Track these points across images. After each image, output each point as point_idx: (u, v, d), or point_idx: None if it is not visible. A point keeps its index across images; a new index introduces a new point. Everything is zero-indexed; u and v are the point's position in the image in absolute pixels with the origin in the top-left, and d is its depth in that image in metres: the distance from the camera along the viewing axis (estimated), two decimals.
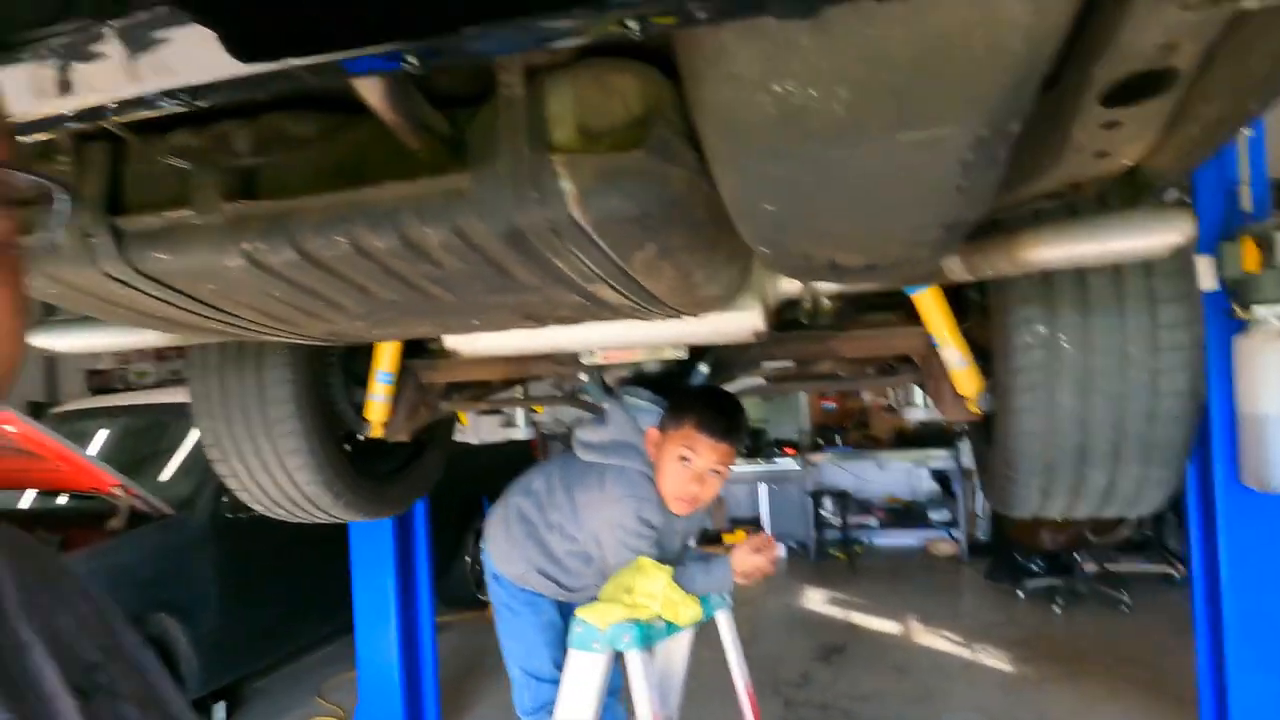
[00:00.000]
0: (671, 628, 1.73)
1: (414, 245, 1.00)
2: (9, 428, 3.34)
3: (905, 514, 7.26)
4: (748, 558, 1.86)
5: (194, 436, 4.49)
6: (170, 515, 3.92)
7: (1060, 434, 1.40)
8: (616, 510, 1.90)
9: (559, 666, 2.11)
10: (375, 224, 0.98)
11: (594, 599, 1.77)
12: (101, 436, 4.66)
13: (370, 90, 0.81)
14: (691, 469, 1.90)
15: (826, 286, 1.53)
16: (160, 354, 8.54)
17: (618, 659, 1.70)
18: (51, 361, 9.46)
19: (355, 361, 2.13)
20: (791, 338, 1.74)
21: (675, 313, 1.29)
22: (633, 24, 0.60)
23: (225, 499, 4.07)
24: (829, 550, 6.97)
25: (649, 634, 1.66)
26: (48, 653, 0.50)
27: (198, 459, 4.30)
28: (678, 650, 1.92)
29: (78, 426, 4.45)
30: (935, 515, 7.04)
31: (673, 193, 0.92)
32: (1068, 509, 1.60)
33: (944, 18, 0.63)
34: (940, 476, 7.34)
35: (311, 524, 4.15)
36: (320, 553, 4.04)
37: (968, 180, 0.83)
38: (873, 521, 7.18)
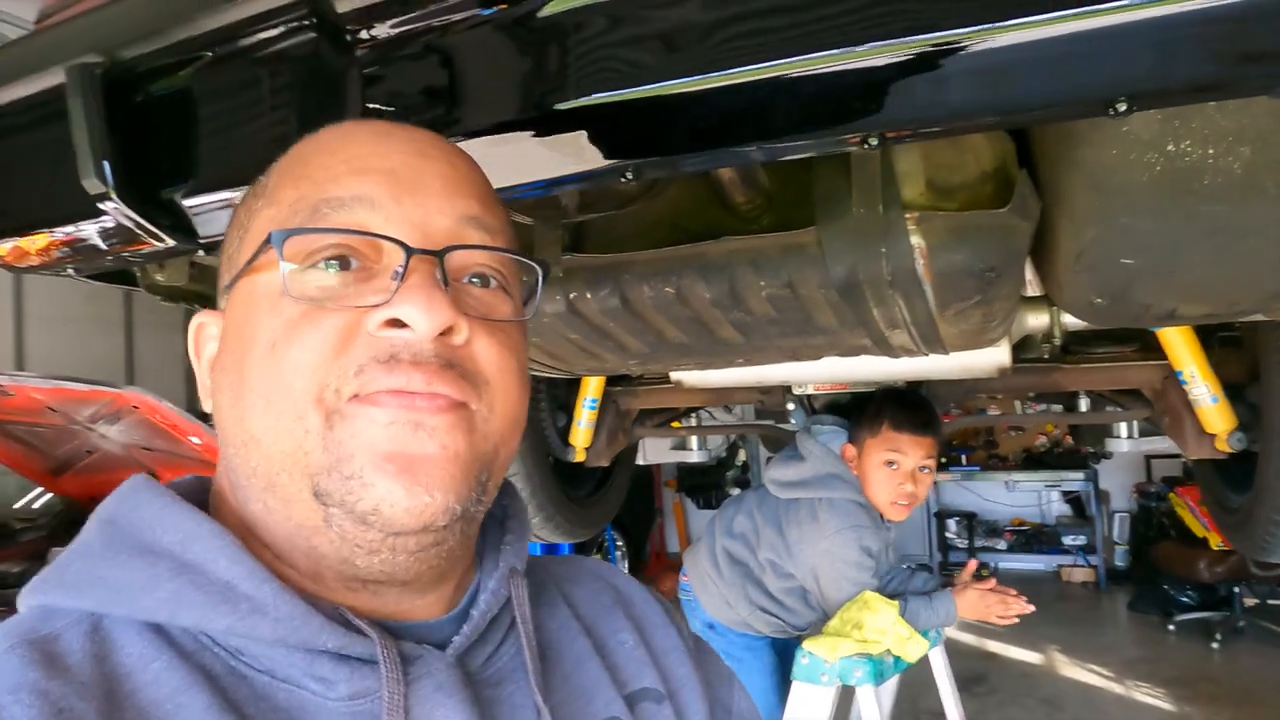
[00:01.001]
0: (899, 663, 1.72)
1: (737, 295, 1.04)
2: (195, 440, 3.57)
3: (1035, 537, 6.98)
4: (978, 600, 1.83)
5: None
6: None
7: None
8: (836, 543, 1.89)
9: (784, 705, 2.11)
10: (706, 275, 1.02)
11: (818, 633, 1.77)
12: None
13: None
14: (901, 470, 1.89)
15: (1073, 320, 1.50)
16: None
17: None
18: (189, 370, 10.06)
19: (556, 387, 2.20)
20: (1020, 369, 1.71)
21: (943, 351, 1.29)
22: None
23: None
24: (954, 573, 6.76)
25: (880, 669, 1.65)
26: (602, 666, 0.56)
27: None
28: (885, 687, 1.90)
29: None
30: (1069, 540, 6.74)
31: (1017, 247, 0.92)
32: None
33: None
34: (1073, 499, 7.04)
35: None
36: None
37: None
38: (1001, 544, 6.94)
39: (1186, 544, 5.40)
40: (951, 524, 6.86)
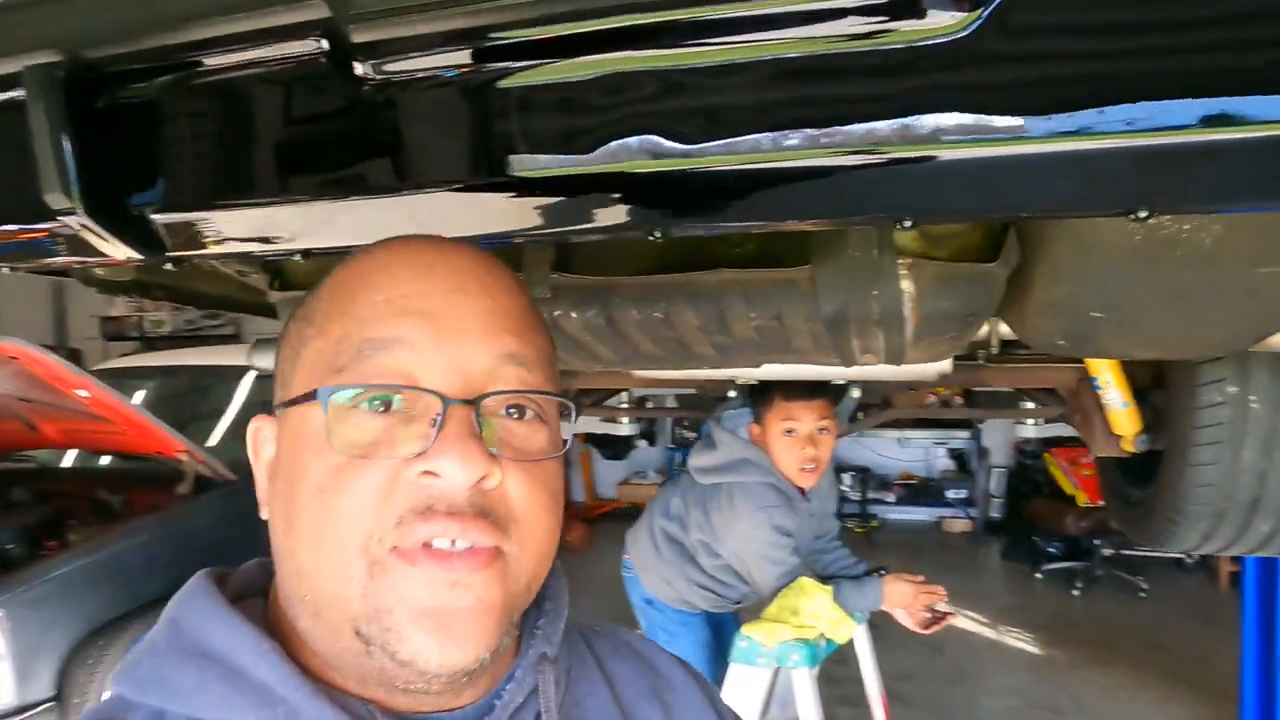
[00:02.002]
0: (830, 645, 1.82)
1: (724, 322, 1.05)
2: (82, 393, 3.36)
3: (921, 490, 7.43)
4: (907, 590, 1.95)
5: (241, 398, 4.50)
6: (234, 481, 3.95)
7: (1238, 487, 1.48)
8: (749, 524, 1.98)
9: (719, 682, 2.21)
10: (696, 303, 1.03)
11: (749, 610, 1.86)
12: (138, 398, 4.64)
13: None
14: (799, 435, 1.99)
15: (1008, 330, 1.59)
16: (176, 306, 8.48)
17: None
18: (62, 307, 9.36)
19: None
20: (955, 370, 1.80)
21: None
22: None
23: None
24: (847, 524, 7.14)
25: (816, 653, 1.74)
26: None
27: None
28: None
29: (113, 385, 4.44)
30: (951, 493, 7.22)
31: (997, 294, 0.97)
32: (1221, 550, 1.69)
33: None
34: (957, 455, 7.51)
35: None
36: None
37: None
38: (890, 497, 7.36)
39: (1057, 500, 5.87)
40: (846, 478, 7.20)
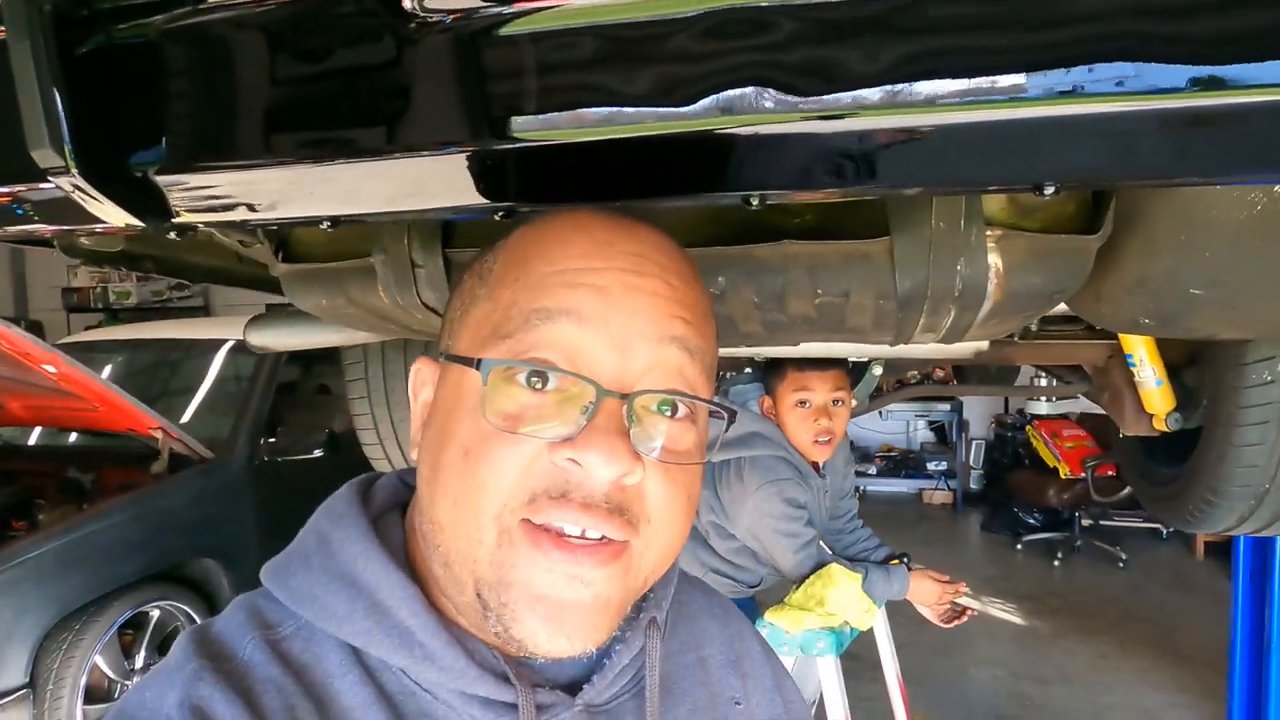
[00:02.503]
0: (854, 631, 1.77)
1: (783, 298, 0.96)
2: (50, 368, 3.21)
3: (902, 462, 7.46)
4: (932, 588, 1.91)
5: (214, 374, 4.35)
6: (209, 459, 3.82)
7: None
8: (760, 499, 1.91)
9: None
10: (756, 277, 0.94)
11: (767, 595, 1.80)
12: (106, 373, 4.47)
13: None
14: (813, 407, 1.92)
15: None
16: (142, 276, 8.20)
17: None
18: (21, 276, 9.03)
19: None
20: None
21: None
22: None
23: (261, 442, 3.99)
24: None
25: (841, 640, 1.69)
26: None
27: (225, 399, 4.19)
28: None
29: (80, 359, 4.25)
30: (932, 465, 7.26)
31: (1087, 268, 0.89)
32: (1256, 531, 1.66)
33: None
34: (937, 427, 7.54)
35: (344, 469, 4.12)
36: None
37: None
38: (871, 469, 7.38)
39: (1039, 472, 5.92)
40: None
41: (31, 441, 4.12)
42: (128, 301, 8.27)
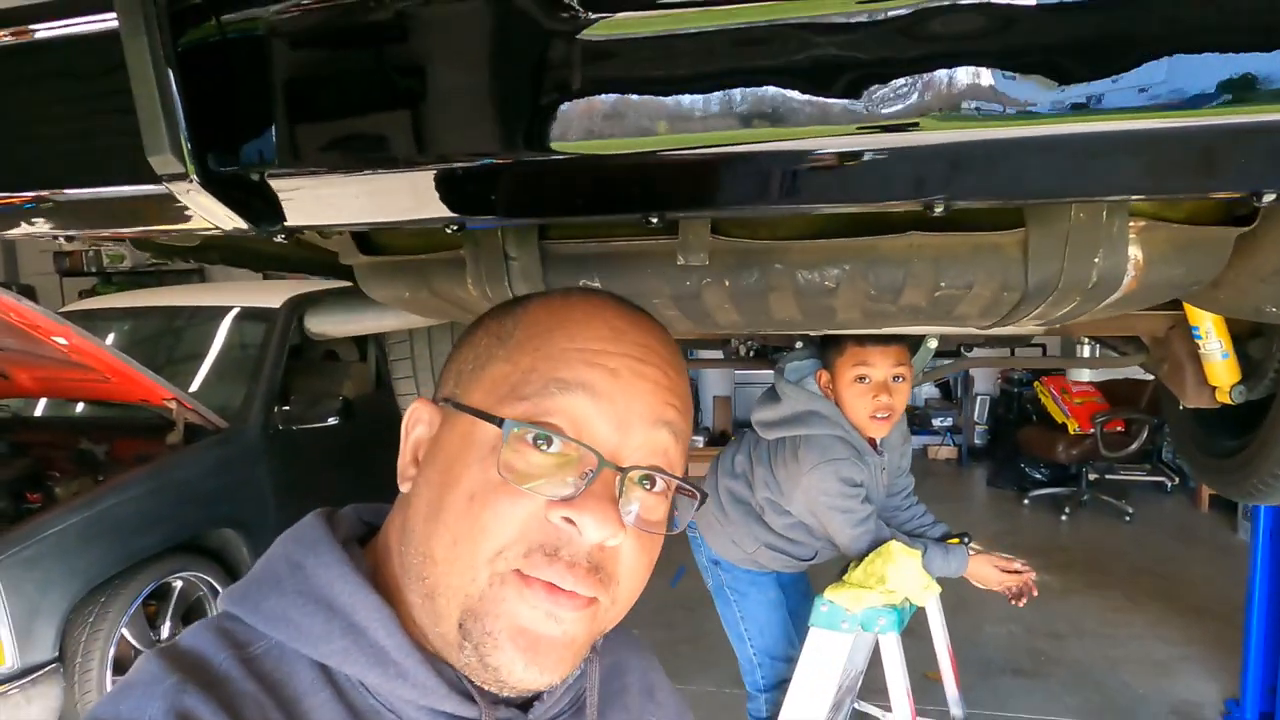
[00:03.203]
0: (912, 607, 1.77)
1: (900, 290, 0.92)
2: (61, 340, 3.16)
3: (909, 418, 7.47)
4: (992, 572, 1.90)
5: (222, 341, 4.29)
6: (224, 428, 3.78)
7: None
8: (814, 478, 1.89)
9: (790, 644, 2.15)
10: (876, 269, 0.89)
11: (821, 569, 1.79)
12: (110, 341, 4.39)
13: None
14: (873, 383, 1.89)
15: None
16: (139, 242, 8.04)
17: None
18: (9, 239, 8.84)
19: None
20: None
21: None
22: None
23: (275, 411, 3.95)
24: None
25: (902, 617, 1.69)
26: None
27: (234, 367, 4.13)
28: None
29: (83, 328, 4.17)
30: (938, 421, 7.28)
31: (1225, 259, 0.86)
32: None
33: None
34: (942, 383, 7.55)
35: (359, 437, 4.06)
36: (368, 465, 3.97)
37: None
38: None
39: (1047, 428, 5.94)
40: None
41: (39, 412, 4.06)
42: (122, 266, 8.12)
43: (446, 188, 0.65)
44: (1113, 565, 4.90)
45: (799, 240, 0.88)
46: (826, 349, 1.92)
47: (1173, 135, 0.51)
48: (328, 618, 0.56)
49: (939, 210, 0.58)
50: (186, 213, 0.69)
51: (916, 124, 0.52)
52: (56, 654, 2.92)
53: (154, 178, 0.62)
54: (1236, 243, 0.88)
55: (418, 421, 0.62)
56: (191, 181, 0.61)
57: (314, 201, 0.69)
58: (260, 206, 0.68)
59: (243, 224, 0.69)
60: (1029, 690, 3.56)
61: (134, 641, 3.10)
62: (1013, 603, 1.97)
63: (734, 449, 2.16)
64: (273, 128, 0.64)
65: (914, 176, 0.57)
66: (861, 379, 1.88)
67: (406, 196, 0.66)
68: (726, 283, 0.93)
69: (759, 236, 0.89)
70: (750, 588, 2.18)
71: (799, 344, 2.08)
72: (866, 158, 0.56)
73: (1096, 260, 0.82)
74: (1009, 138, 0.53)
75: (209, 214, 0.66)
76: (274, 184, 0.67)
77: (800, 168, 0.59)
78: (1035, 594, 1.97)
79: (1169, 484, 6.15)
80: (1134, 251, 0.82)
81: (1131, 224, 0.80)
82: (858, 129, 0.53)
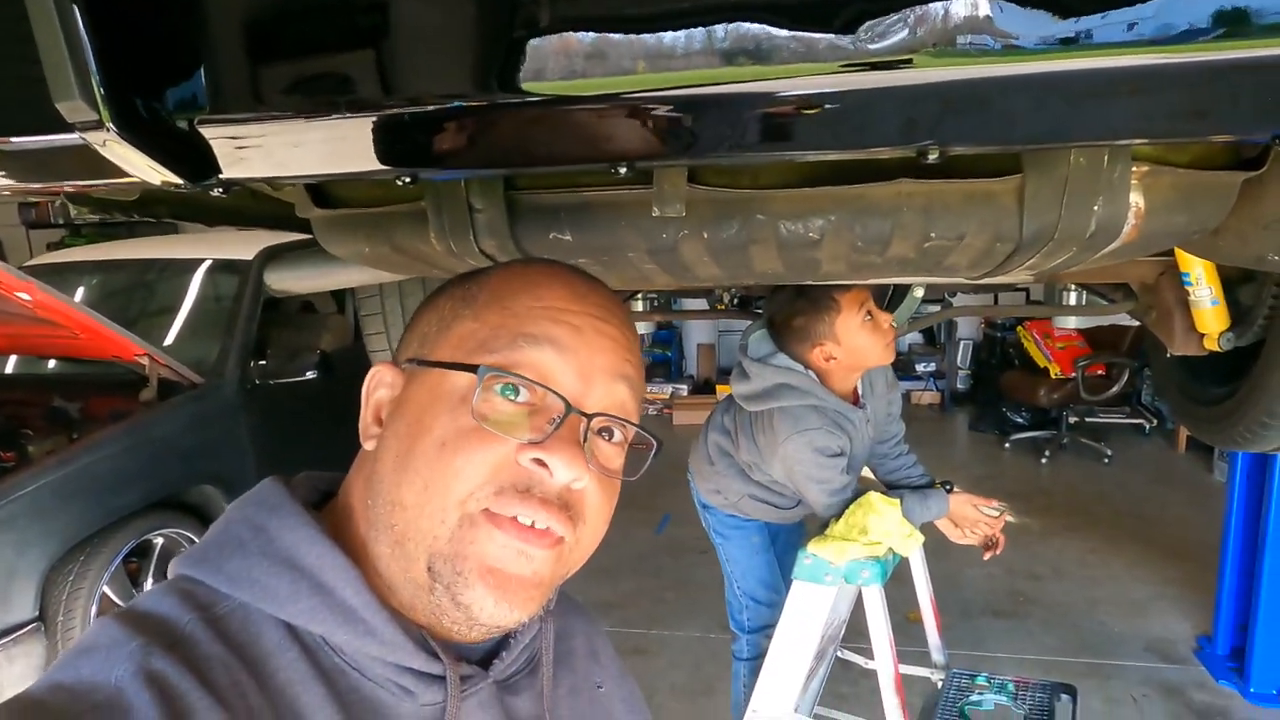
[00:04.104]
0: (896, 558, 1.76)
1: (887, 241, 0.87)
2: (25, 296, 3.07)
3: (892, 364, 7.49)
4: (970, 512, 1.91)
5: (194, 295, 4.20)
6: (199, 384, 3.71)
7: None
8: (788, 450, 1.90)
9: (772, 589, 2.19)
10: (863, 219, 0.84)
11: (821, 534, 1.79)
12: (79, 296, 4.28)
13: None
14: (875, 316, 1.87)
15: None
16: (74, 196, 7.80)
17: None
18: None
19: None
20: None
21: None
22: None
23: (251, 365, 3.89)
24: None
25: (885, 568, 1.68)
26: None
27: (208, 321, 4.05)
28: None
29: (51, 283, 4.04)
30: (921, 366, 7.31)
31: (1229, 206, 0.81)
32: None
33: None
34: (926, 329, 7.56)
35: (339, 391, 4.01)
36: (348, 418, 3.91)
37: None
38: None
39: (1029, 373, 5.97)
40: None
41: (9, 370, 3.97)
42: (91, 217, 7.90)
43: (400, 136, 0.59)
44: (1091, 507, 4.97)
45: (782, 189, 0.83)
46: (813, 320, 1.88)
47: (1195, 71, 0.46)
48: (294, 578, 0.57)
49: (933, 158, 0.53)
50: (115, 167, 0.63)
51: (909, 61, 0.48)
52: (37, 613, 2.90)
53: (66, 126, 0.56)
54: (1241, 188, 0.84)
55: (379, 384, 0.64)
56: (108, 130, 0.55)
57: (254, 152, 0.63)
58: (192, 157, 0.62)
59: (172, 177, 0.63)
60: (1008, 631, 3.63)
61: (116, 599, 3.08)
62: (985, 556, 1.99)
63: (724, 409, 2.20)
64: (202, 67, 0.58)
65: (906, 120, 0.52)
66: (869, 315, 1.86)
67: (359, 145, 0.60)
68: (705, 235, 0.88)
69: (739, 185, 0.84)
70: (734, 531, 2.24)
71: (753, 320, 2.07)
72: (854, 99, 0.51)
73: (1096, 208, 0.78)
74: (1010, 75, 0.48)
75: (131, 166, 0.60)
76: (206, 132, 0.61)
77: (784, 110, 0.53)
78: (1000, 549, 2.00)
79: (1147, 426, 6.22)
80: (1135, 199, 0.77)
81: (1134, 169, 0.76)
82: (844, 66, 0.48)
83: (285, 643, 0.56)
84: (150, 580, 3.28)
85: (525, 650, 0.67)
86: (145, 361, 3.52)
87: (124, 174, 0.64)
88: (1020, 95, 0.51)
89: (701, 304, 2.77)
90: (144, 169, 0.62)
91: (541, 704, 0.67)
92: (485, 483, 0.56)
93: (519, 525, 0.56)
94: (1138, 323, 1.91)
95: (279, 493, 0.62)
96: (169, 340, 3.96)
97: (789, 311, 1.90)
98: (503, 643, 0.66)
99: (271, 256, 3.91)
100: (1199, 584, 3.84)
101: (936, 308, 2.84)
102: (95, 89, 0.54)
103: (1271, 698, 3.04)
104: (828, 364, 1.90)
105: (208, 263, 4.19)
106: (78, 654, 0.51)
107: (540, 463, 0.56)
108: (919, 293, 1.87)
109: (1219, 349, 1.62)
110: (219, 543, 0.59)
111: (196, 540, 3.01)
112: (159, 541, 3.31)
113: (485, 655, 0.65)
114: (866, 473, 2.17)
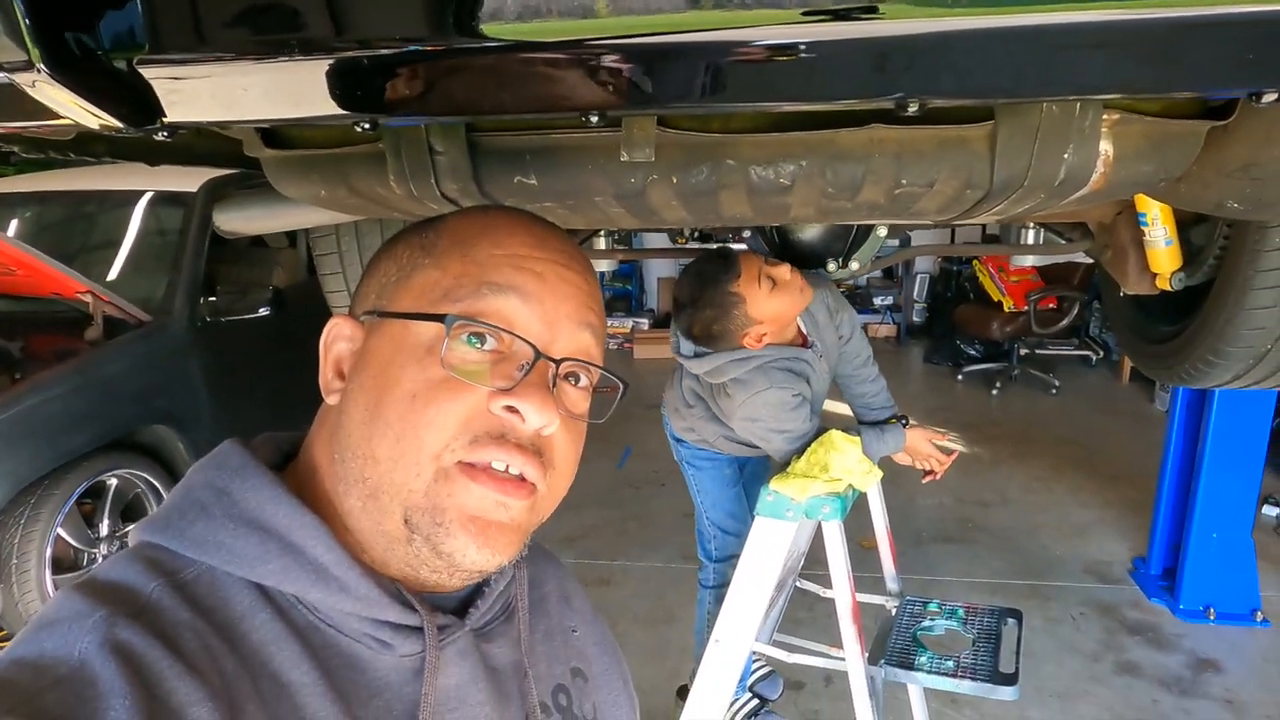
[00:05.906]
0: (855, 493, 1.81)
1: (858, 187, 0.86)
2: None
3: (850, 298, 7.55)
4: (925, 445, 1.97)
5: (137, 228, 4.04)
6: (148, 322, 3.60)
7: None
8: (747, 410, 1.93)
9: (739, 520, 2.24)
10: (834, 165, 0.83)
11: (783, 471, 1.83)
12: (12, 229, 4.09)
13: None
14: (777, 278, 1.86)
15: None
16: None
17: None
18: None
19: None
20: None
21: None
22: None
23: (201, 302, 3.78)
24: None
25: (845, 503, 1.72)
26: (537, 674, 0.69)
27: (152, 256, 3.91)
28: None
29: None
30: (879, 300, 7.39)
31: (1195, 155, 0.82)
32: (1245, 386, 1.70)
33: None
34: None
35: (294, 328, 3.91)
36: (304, 356, 3.84)
37: None
38: None
39: (983, 306, 6.08)
40: None
41: None
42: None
43: (355, 80, 0.56)
44: (1038, 436, 5.14)
45: (753, 134, 0.81)
46: (728, 313, 1.86)
47: (1174, 26, 0.45)
48: (262, 539, 0.56)
49: (913, 109, 0.52)
50: (41, 107, 0.59)
51: (875, 9, 0.46)
52: None
53: None
54: (1206, 136, 0.84)
55: (338, 338, 0.63)
56: (38, 71, 0.51)
57: (199, 94, 0.59)
58: (131, 99, 0.58)
59: (111, 120, 0.59)
60: (957, 555, 3.78)
61: (72, 541, 3.04)
62: (924, 480, 2.09)
63: None
64: (139, 2, 0.54)
65: (872, 71, 0.50)
66: (771, 280, 1.86)
67: (313, 89, 0.57)
68: (674, 180, 0.86)
69: (710, 130, 0.82)
70: (706, 463, 2.31)
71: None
72: (820, 50, 0.49)
73: (1066, 156, 0.78)
74: (979, 28, 0.47)
75: (65, 109, 0.56)
76: (146, 72, 0.57)
77: (746, 60, 0.51)
78: (940, 477, 2.07)
79: (1094, 357, 6.41)
80: (1105, 146, 0.77)
81: (1105, 117, 0.75)
82: (806, 15, 0.46)
83: (257, 604, 0.55)
84: (106, 521, 3.23)
85: (500, 598, 0.67)
86: (88, 299, 3.40)
87: (57, 116, 0.60)
88: (993, 48, 0.50)
89: (664, 240, 2.74)
90: (79, 112, 0.58)
91: (518, 650, 0.67)
92: (459, 433, 0.56)
93: (495, 476, 0.56)
94: (1092, 260, 1.94)
95: (241, 454, 0.60)
96: (112, 276, 3.82)
97: (702, 322, 1.90)
98: (477, 591, 0.66)
99: (217, 188, 3.76)
100: (1136, 508, 4.02)
101: (896, 243, 2.86)
102: (21, 22, 0.50)
103: (1198, 613, 3.23)
104: (762, 341, 1.91)
105: (149, 195, 4.01)
106: (39, 628, 0.49)
107: (512, 409, 0.56)
108: (882, 232, 1.87)
109: (1171, 288, 1.65)
110: (181, 508, 0.58)
111: (151, 480, 2.96)
112: (113, 483, 3.25)
113: (460, 605, 0.65)
114: (829, 407, 2.21)
